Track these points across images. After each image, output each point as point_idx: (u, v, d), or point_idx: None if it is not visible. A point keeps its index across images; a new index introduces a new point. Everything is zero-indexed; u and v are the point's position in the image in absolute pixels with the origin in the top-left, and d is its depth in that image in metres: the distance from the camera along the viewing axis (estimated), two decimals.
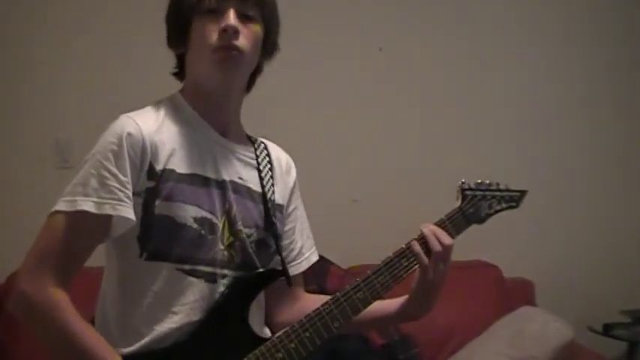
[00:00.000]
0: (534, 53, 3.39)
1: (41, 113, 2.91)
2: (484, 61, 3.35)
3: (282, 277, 1.54)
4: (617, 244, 3.44)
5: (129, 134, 1.36)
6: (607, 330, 3.13)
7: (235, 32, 1.39)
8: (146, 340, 1.36)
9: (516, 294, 3.04)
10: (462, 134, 3.32)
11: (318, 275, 2.68)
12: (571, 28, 3.45)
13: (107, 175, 1.33)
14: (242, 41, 1.40)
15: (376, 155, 3.20)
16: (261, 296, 1.53)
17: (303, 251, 1.65)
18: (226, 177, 1.47)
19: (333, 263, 2.82)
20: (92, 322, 1.41)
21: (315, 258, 1.68)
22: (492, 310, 2.89)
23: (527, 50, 3.39)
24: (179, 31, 1.45)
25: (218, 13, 1.39)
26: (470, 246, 3.16)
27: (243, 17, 1.41)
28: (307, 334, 1.42)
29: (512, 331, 2.69)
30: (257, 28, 1.45)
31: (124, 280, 1.42)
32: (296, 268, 1.63)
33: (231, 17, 1.38)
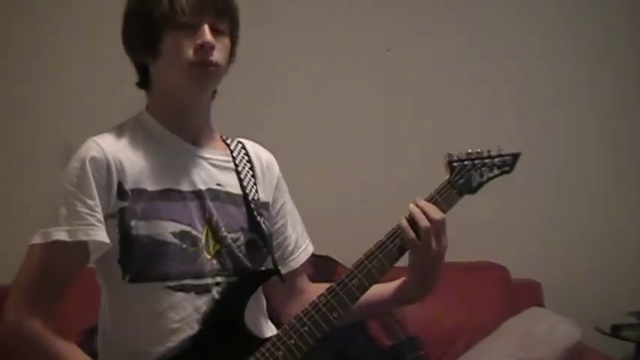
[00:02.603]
0: (536, 52, 3.38)
1: (46, 114, 2.91)
2: (493, 64, 3.34)
3: (283, 282, 1.54)
4: (625, 245, 3.43)
5: (92, 158, 1.37)
6: (615, 331, 3.12)
7: (212, 48, 1.39)
8: (148, 357, 1.37)
9: (524, 295, 3.04)
10: (471, 136, 3.31)
11: (325, 276, 2.68)
12: (574, 27, 3.44)
13: (74, 202, 1.35)
14: (217, 56, 1.40)
15: (385, 156, 3.20)
16: (258, 295, 1.53)
17: (299, 244, 1.65)
18: (202, 186, 1.46)
19: (340, 264, 2.82)
20: (89, 332, 1.44)
21: (311, 248, 1.68)
22: (500, 311, 2.88)
23: (529, 50, 3.38)
24: (146, 41, 1.42)
25: (192, 27, 1.38)
26: (477, 247, 3.20)
27: (214, 31, 1.40)
28: (306, 328, 1.40)
29: (519, 332, 2.69)
30: (227, 42, 1.45)
31: (114, 305, 1.43)
32: (295, 262, 1.63)
33: (207, 33, 1.38)
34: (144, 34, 1.42)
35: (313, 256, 1.70)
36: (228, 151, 1.56)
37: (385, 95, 3.21)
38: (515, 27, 3.38)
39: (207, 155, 1.50)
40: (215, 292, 1.42)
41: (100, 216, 1.35)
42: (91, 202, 1.35)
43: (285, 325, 1.42)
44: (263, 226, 1.52)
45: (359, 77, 3.17)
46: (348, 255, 2.83)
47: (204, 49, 1.38)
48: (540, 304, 3.04)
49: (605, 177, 3.44)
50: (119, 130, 1.47)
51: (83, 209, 1.34)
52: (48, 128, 2.92)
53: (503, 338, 2.72)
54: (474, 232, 2.88)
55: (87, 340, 1.44)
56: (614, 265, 3.37)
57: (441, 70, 3.29)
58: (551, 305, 3.02)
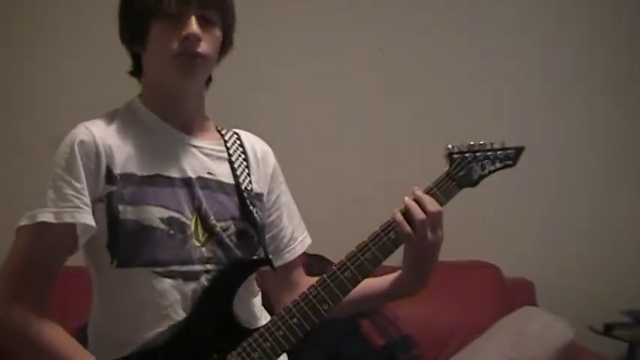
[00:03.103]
0: (535, 52, 3.39)
1: (41, 112, 2.90)
2: (490, 64, 3.34)
3: (274, 272, 1.53)
4: (618, 243, 3.43)
5: (81, 141, 1.37)
6: (608, 330, 3.12)
7: (197, 40, 1.38)
8: (137, 345, 1.36)
9: (517, 294, 3.04)
10: (462, 134, 3.30)
11: (317, 275, 2.68)
12: (573, 27, 3.45)
13: (62, 184, 1.34)
14: (203, 47, 1.39)
15: (376, 155, 3.20)
16: (250, 284, 1.52)
17: (295, 236, 1.63)
18: (192, 174, 1.45)
19: (332, 263, 2.80)
20: (83, 329, 1.42)
21: (309, 240, 1.66)
22: (492, 310, 2.88)
23: (528, 49, 3.38)
24: (135, 31, 1.43)
25: (178, 17, 1.37)
26: (470, 246, 3.20)
27: (203, 22, 1.39)
28: (295, 320, 1.40)
29: (512, 331, 2.69)
30: (217, 32, 1.44)
31: (102, 290, 1.42)
32: (291, 254, 1.62)
33: (193, 24, 1.37)
34: (133, 25, 1.43)
35: (306, 255, 1.69)
36: (222, 141, 1.55)
37: (380, 95, 3.21)
38: (514, 27, 3.38)
39: (198, 144, 1.50)
40: (204, 280, 1.41)
41: (87, 199, 1.35)
42: (78, 185, 1.34)
43: (274, 316, 1.41)
44: (255, 215, 1.50)
45: (354, 76, 3.16)
46: (340, 254, 2.82)
47: (189, 40, 1.37)
48: (533, 304, 3.03)
49: (599, 177, 3.44)
50: (110, 117, 1.47)
51: (70, 192, 1.33)
52: (44, 125, 2.89)
53: (496, 338, 2.72)
54: (466, 231, 2.87)
55: (81, 337, 1.42)
56: (607, 264, 3.38)
57: (438, 70, 3.29)
58: (544, 304, 3.02)
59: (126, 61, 3.10)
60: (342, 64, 3.12)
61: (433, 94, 3.27)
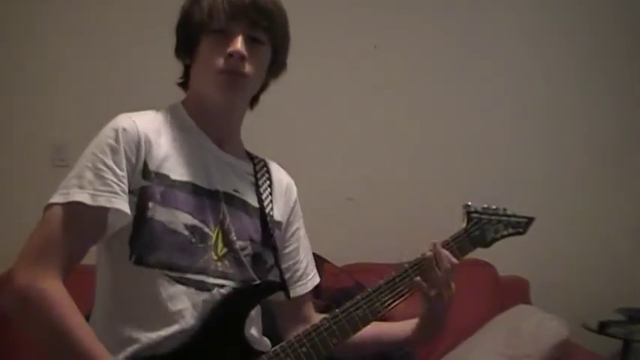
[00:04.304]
0: (529, 50, 3.40)
1: (36, 112, 2.89)
2: (481, 59, 3.35)
3: (287, 299, 1.54)
4: (613, 242, 3.44)
5: (124, 129, 1.36)
6: (602, 328, 3.13)
7: (242, 58, 1.39)
8: (137, 346, 1.34)
9: (511, 292, 3.05)
10: (457, 133, 3.32)
11: None
12: (568, 25, 3.46)
13: (103, 167, 1.32)
14: (248, 67, 1.40)
15: (372, 154, 3.20)
16: (258, 308, 1.52)
17: (307, 271, 1.64)
18: (220, 188, 1.46)
19: (327, 261, 2.81)
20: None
21: (317, 279, 1.67)
22: (487, 308, 2.89)
23: (522, 47, 3.39)
24: (187, 44, 1.45)
25: (227, 34, 1.39)
26: None
27: (251, 40, 1.41)
28: (304, 349, 1.39)
29: (507, 329, 2.69)
30: (265, 52, 1.45)
31: (115, 284, 1.40)
32: (302, 289, 1.62)
33: (239, 43, 1.38)
34: (185, 38, 1.46)
35: None
36: (252, 165, 1.57)
37: (374, 94, 3.21)
38: (512, 25, 3.39)
39: (229, 160, 1.51)
40: (217, 293, 1.40)
41: (125, 187, 1.33)
42: (120, 172, 1.33)
43: (284, 342, 1.41)
44: (276, 241, 1.52)
45: (348, 75, 3.16)
46: (335, 252, 2.85)
47: (233, 58, 1.38)
48: (527, 302, 3.04)
49: (593, 175, 3.45)
50: (152, 114, 1.47)
51: (110, 177, 1.32)
52: (37, 128, 2.90)
53: (490, 335, 2.73)
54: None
55: None
56: (602, 262, 3.39)
57: (432, 69, 3.30)
58: (539, 303, 3.03)
59: (122, 63, 3.12)
60: (337, 63, 3.12)
61: (426, 94, 3.28)
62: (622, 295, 3.30)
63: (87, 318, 1.41)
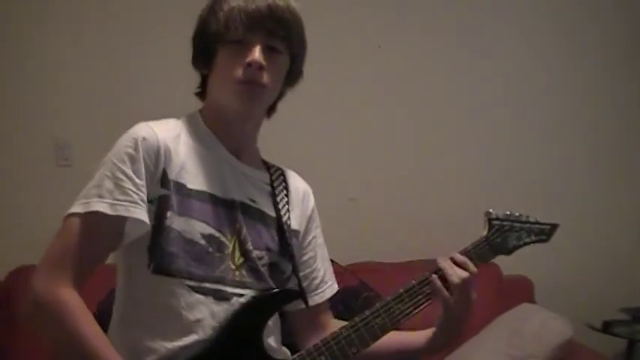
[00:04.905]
0: (529, 50, 3.39)
1: (40, 112, 2.90)
2: (484, 59, 3.34)
3: (305, 307, 1.54)
4: (617, 241, 3.44)
5: (144, 138, 1.36)
6: (606, 328, 3.13)
7: (260, 68, 1.39)
8: (154, 357, 1.33)
9: (515, 292, 3.04)
10: (459, 132, 3.32)
11: None
12: (568, 25, 3.45)
13: (122, 177, 1.33)
14: (266, 77, 1.40)
15: (374, 153, 3.20)
16: (276, 316, 1.51)
17: (325, 279, 1.64)
18: (235, 197, 1.46)
19: (332, 260, 2.80)
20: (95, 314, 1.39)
21: (336, 287, 1.67)
22: (491, 307, 2.87)
23: (522, 47, 3.39)
24: (204, 54, 1.45)
25: (245, 44, 1.39)
26: (468, 244, 3.19)
27: (269, 50, 1.41)
28: (323, 358, 1.39)
29: (510, 329, 2.69)
30: (282, 61, 1.45)
31: (132, 292, 1.40)
32: (320, 297, 1.62)
33: (257, 53, 1.38)
34: (202, 48, 1.46)
35: None
36: (268, 174, 1.57)
37: (376, 94, 3.21)
38: (512, 25, 3.39)
39: (245, 170, 1.51)
40: (236, 303, 1.40)
41: (144, 196, 1.34)
42: (139, 182, 1.33)
43: (303, 351, 1.40)
44: (294, 250, 1.52)
45: (348, 74, 3.16)
46: (337, 252, 2.83)
47: (251, 67, 1.38)
48: (531, 301, 3.03)
49: (597, 174, 3.45)
50: (170, 123, 1.47)
51: (129, 186, 1.32)
52: (41, 128, 2.90)
53: (494, 335, 2.72)
54: (464, 229, 2.87)
55: None
56: (606, 261, 3.38)
57: (432, 66, 3.29)
58: (543, 302, 3.02)
59: (124, 62, 3.12)
60: (339, 63, 3.12)
61: (428, 94, 3.28)
62: (626, 294, 3.30)
63: (99, 311, 1.41)
